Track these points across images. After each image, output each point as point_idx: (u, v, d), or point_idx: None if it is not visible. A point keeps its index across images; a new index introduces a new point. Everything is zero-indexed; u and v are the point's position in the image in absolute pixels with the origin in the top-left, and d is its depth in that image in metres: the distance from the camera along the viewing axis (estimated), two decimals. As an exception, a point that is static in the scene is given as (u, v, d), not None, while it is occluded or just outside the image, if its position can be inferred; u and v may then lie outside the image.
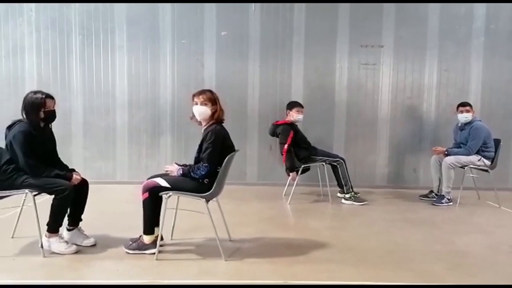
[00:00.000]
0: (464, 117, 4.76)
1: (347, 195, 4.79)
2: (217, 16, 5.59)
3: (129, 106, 5.72)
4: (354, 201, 4.75)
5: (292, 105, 4.94)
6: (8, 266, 2.86)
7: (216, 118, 3.13)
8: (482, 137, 4.65)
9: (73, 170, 3.26)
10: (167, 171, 3.15)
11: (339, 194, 4.90)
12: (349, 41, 5.59)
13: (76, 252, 3.06)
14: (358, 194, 4.85)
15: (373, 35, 5.57)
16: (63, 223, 3.13)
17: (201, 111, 3.11)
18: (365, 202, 4.75)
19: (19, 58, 5.65)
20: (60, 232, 3.10)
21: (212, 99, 3.12)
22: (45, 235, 3.05)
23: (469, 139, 4.68)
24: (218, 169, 3.02)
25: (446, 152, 4.81)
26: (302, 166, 4.78)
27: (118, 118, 5.73)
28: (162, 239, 3.11)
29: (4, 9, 5.61)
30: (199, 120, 3.17)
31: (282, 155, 4.77)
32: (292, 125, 4.84)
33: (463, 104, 4.79)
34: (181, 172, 3.07)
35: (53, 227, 3.05)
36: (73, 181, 3.09)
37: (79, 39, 5.64)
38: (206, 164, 2.98)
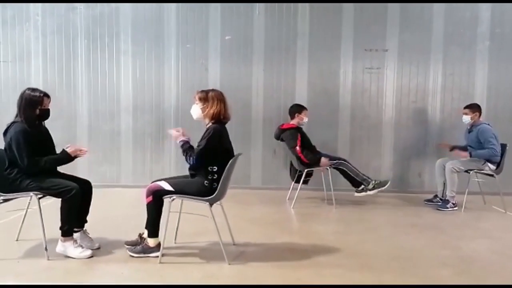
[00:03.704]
0: (464, 119, 4.82)
1: (370, 186, 4.71)
2: (222, 20, 5.61)
3: (133, 110, 5.75)
4: (379, 187, 4.69)
5: (300, 108, 4.93)
6: (13, 269, 2.86)
7: (214, 118, 3.05)
8: (493, 136, 4.63)
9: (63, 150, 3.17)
10: (171, 134, 3.19)
11: (356, 194, 4.80)
12: (353, 45, 5.59)
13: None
14: (379, 181, 4.77)
15: (377, 39, 5.57)
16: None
17: (193, 109, 3.15)
18: (387, 185, 4.72)
19: (25, 62, 5.71)
20: (74, 237, 3.09)
21: (203, 98, 3.08)
22: (60, 240, 3.04)
23: (485, 143, 4.62)
24: (211, 168, 2.99)
25: (451, 148, 4.90)
26: (306, 170, 4.76)
27: (123, 122, 5.76)
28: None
29: (11, 14, 5.68)
30: (194, 118, 3.17)
31: (300, 157, 4.67)
32: (298, 129, 4.83)
33: (465, 107, 4.86)
34: (181, 144, 3.06)
35: (66, 231, 3.03)
36: (72, 153, 3.09)
37: (84, 43, 5.69)
38: (195, 157, 2.97)
